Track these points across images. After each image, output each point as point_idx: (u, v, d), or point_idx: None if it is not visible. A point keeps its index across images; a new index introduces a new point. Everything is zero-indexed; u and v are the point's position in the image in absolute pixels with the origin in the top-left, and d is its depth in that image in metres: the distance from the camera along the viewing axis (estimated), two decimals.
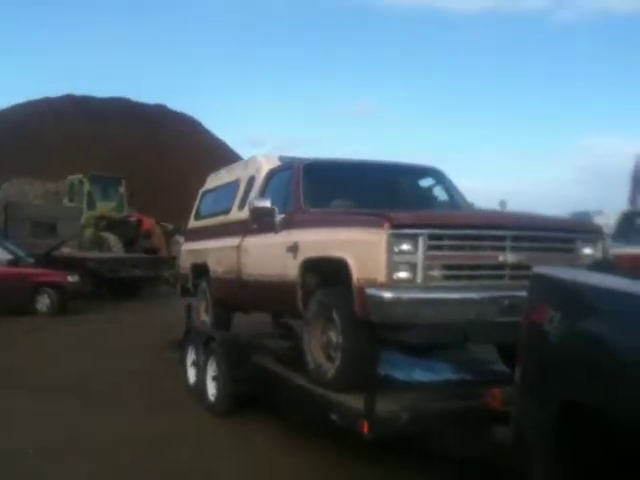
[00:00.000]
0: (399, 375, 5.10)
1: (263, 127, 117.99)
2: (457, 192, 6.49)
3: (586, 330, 2.29)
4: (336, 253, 4.61)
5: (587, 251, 4.66)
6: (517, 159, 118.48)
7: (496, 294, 4.25)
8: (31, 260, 14.76)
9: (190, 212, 9.00)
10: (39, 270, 14.47)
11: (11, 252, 14.38)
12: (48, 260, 15.56)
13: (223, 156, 43.82)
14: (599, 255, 4.71)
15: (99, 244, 19.89)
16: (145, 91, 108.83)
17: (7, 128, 42.41)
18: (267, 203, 5.76)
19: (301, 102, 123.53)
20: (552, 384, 2.55)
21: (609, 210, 15.77)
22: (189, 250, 8.68)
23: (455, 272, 4.31)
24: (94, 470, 4.77)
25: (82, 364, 8.65)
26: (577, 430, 2.40)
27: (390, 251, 4.12)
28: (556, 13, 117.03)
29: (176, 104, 52.98)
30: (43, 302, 14.15)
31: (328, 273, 4.89)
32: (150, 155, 42.84)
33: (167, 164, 42.93)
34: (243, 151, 55.98)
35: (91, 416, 6.18)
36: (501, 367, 5.34)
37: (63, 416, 6.16)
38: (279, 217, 5.67)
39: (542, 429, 2.61)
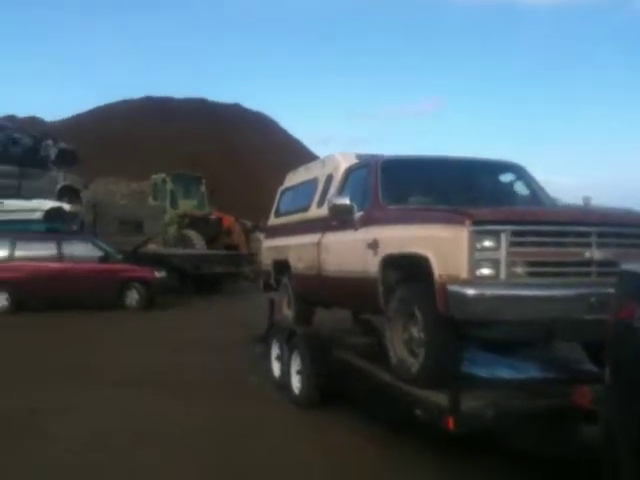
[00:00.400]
0: (482, 373, 5.06)
1: (332, 125, 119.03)
2: (539, 187, 6.36)
3: None
4: (417, 250, 4.61)
5: None
6: (595, 153, 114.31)
7: (583, 291, 4.17)
8: (120, 257, 15.41)
9: (265, 209, 9.21)
10: (128, 266, 15.09)
11: (101, 249, 15.05)
12: (135, 256, 16.23)
13: (297, 154, 44.44)
14: None
15: (182, 241, 20.59)
16: (222, 90, 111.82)
17: (90, 130, 44.43)
18: (346, 200, 5.83)
19: (369, 100, 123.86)
20: None
21: None
22: (270, 247, 8.85)
23: (539, 269, 4.25)
24: (175, 459, 4.95)
25: (168, 357, 9.04)
26: None
27: (472, 248, 4.11)
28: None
29: (252, 103, 54.20)
30: (132, 297, 14.77)
31: (409, 269, 4.90)
32: (226, 154, 43.87)
33: (242, 162, 43.86)
34: (316, 149, 56.55)
35: (176, 407, 6.42)
36: (588, 366, 5.23)
37: (149, 406, 6.47)
38: (358, 214, 5.74)
39: (632, 427, 2.58)
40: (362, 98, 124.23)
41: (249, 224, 22.98)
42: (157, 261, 16.47)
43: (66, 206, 17.49)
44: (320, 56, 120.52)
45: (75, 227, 17.93)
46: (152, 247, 18.59)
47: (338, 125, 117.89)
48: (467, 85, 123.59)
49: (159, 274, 15.16)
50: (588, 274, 4.29)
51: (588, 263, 4.27)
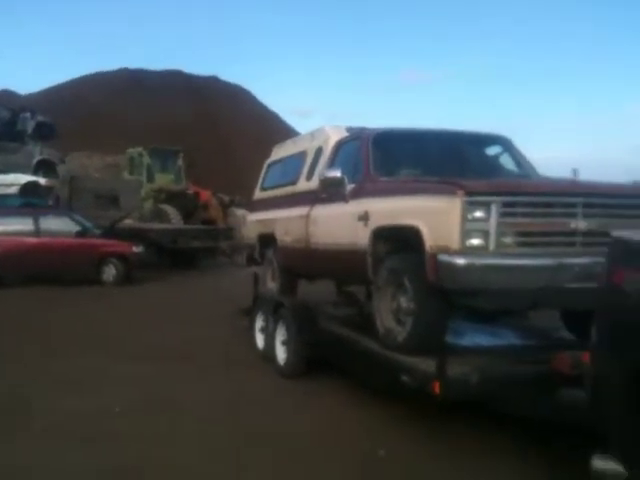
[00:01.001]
0: (464, 342, 5.25)
1: (311, 98, 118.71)
2: (525, 160, 6.50)
3: None
4: (408, 221, 4.73)
5: None
6: (572, 129, 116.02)
7: (568, 260, 4.33)
8: (98, 231, 15.28)
9: (242, 184, 9.22)
10: (106, 241, 14.98)
11: (78, 224, 14.88)
12: (113, 231, 16.11)
13: (274, 127, 44.18)
14: None
15: (159, 216, 20.43)
16: (198, 62, 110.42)
17: (64, 103, 43.47)
18: (338, 173, 5.91)
19: (347, 73, 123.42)
20: (631, 343, 2.65)
21: None
22: (256, 220, 8.89)
23: (527, 239, 4.40)
24: (171, 429, 5.03)
25: (154, 332, 9.03)
26: None
27: (464, 218, 4.23)
28: None
29: (229, 75, 53.47)
30: (109, 272, 14.64)
31: (399, 240, 5.03)
32: (203, 127, 43.38)
33: (220, 136, 43.46)
34: (293, 122, 56.40)
35: (164, 380, 6.48)
36: (565, 333, 5.44)
37: (141, 379, 6.48)
38: (349, 187, 5.82)
39: (620, 387, 2.71)
40: (341, 71, 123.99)
41: (226, 198, 22.91)
42: (134, 236, 16.34)
43: (42, 180, 17.28)
44: (296, 28, 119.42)
45: (51, 202, 17.73)
46: (128, 222, 18.44)
47: (317, 98, 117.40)
48: (443, 57, 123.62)
49: (137, 249, 15.07)
50: (573, 244, 4.45)
51: (573, 233, 4.43)
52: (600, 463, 2.86)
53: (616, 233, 3.08)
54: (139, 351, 7.74)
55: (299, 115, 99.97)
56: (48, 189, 17.41)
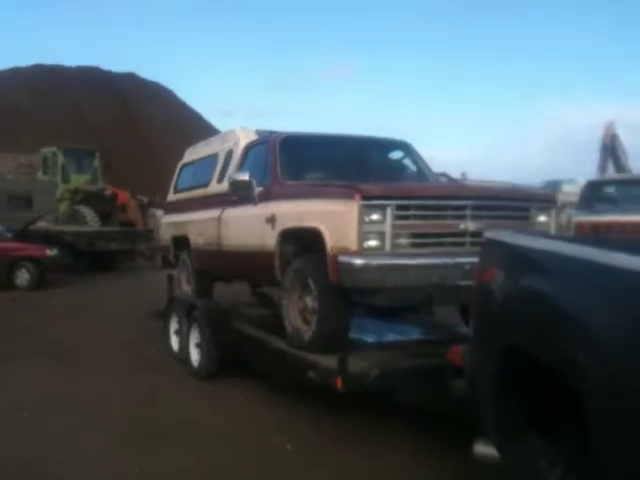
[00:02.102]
0: (368, 338, 5.49)
1: (234, 97, 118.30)
2: (424, 163, 6.82)
3: (524, 286, 2.65)
4: (311, 223, 4.92)
5: (542, 219, 5.07)
6: (486, 128, 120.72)
7: (458, 260, 4.61)
8: (9, 235, 14.79)
9: (162, 184, 9.17)
10: (18, 245, 14.52)
11: None
12: (26, 234, 15.61)
13: (196, 127, 43.54)
14: (553, 222, 5.13)
15: (75, 217, 19.88)
16: (116, 60, 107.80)
17: None
18: (246, 176, 6.02)
19: (271, 71, 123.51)
20: (497, 333, 2.90)
21: (582, 178, 16.38)
22: (169, 223, 8.88)
23: (421, 240, 4.67)
24: (80, 425, 5.11)
25: (68, 334, 8.92)
26: (517, 373, 2.75)
27: (361, 221, 4.46)
28: None
29: (148, 73, 52.22)
30: (22, 277, 14.22)
31: (304, 242, 5.20)
32: (121, 126, 42.29)
33: (138, 135, 42.46)
34: (216, 121, 55.91)
35: (79, 379, 6.50)
36: (463, 328, 5.75)
37: (52, 378, 6.50)
38: (257, 189, 5.95)
39: (487, 373, 2.96)
40: (265, 70, 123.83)
41: (145, 199, 22.52)
42: (49, 238, 15.93)
43: None
44: (218, 26, 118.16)
45: None
46: (42, 224, 17.88)
47: (240, 97, 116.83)
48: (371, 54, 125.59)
49: (50, 252, 14.66)
50: (463, 244, 4.75)
51: (463, 234, 4.74)
52: (480, 447, 3.09)
53: (487, 234, 3.34)
54: (49, 352, 7.66)
55: (222, 114, 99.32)
56: None
